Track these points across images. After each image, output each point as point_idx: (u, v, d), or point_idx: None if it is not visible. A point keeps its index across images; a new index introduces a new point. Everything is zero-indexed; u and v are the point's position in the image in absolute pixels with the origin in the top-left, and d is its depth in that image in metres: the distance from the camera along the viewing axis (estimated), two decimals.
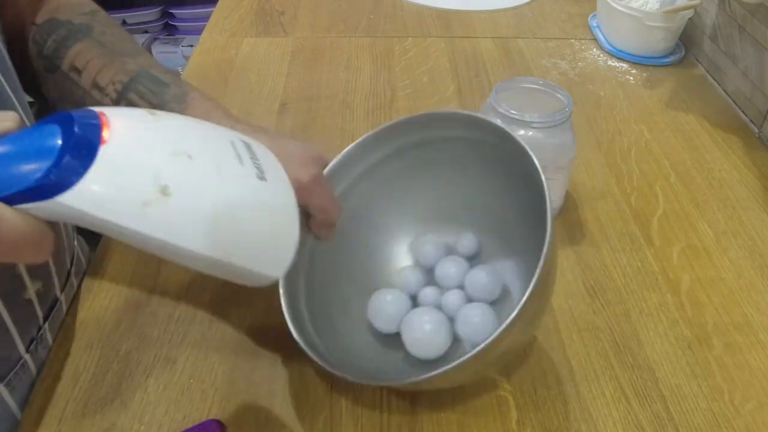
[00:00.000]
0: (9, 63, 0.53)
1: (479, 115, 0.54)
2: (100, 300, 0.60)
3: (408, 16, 1.12)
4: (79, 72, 0.55)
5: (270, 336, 0.57)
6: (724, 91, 0.93)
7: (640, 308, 0.61)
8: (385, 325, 0.54)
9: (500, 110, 0.62)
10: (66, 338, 0.56)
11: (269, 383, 0.53)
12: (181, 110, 0.54)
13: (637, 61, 0.99)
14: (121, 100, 0.54)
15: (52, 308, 0.56)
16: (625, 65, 0.99)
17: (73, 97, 0.56)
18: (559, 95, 0.64)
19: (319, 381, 0.53)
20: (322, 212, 0.53)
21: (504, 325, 0.41)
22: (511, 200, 0.56)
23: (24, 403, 0.52)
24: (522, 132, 0.61)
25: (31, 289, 0.53)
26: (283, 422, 0.51)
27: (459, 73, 0.96)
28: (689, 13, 0.98)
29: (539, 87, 0.65)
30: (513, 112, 0.61)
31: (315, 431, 0.50)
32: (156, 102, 0.54)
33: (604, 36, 1.04)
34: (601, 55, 1.02)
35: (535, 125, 0.61)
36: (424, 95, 0.90)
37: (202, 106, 0.54)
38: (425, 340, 0.52)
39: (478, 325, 0.52)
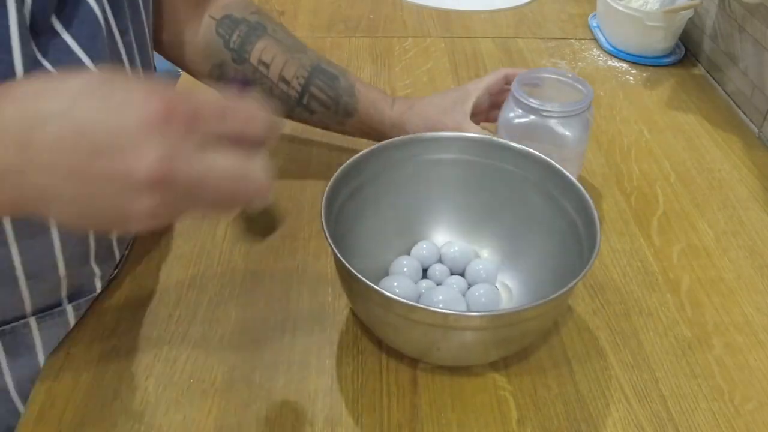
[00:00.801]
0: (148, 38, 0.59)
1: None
2: (100, 300, 0.60)
3: (408, 16, 1.12)
4: (267, 66, 0.66)
5: (270, 336, 0.57)
6: (724, 91, 0.93)
7: (640, 308, 0.61)
8: None
9: (522, 100, 0.63)
10: (66, 338, 0.56)
11: (269, 383, 0.53)
12: (354, 103, 0.68)
13: (637, 61, 0.99)
14: (305, 93, 0.68)
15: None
16: (625, 65, 0.99)
17: (261, 87, 0.68)
18: (579, 86, 0.65)
19: (320, 381, 0.53)
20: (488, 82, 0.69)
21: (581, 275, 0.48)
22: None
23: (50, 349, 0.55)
24: (538, 119, 0.63)
25: None
26: (283, 422, 0.51)
27: (459, 73, 0.95)
28: (689, 13, 0.98)
29: (561, 78, 0.66)
30: (533, 101, 0.62)
31: (315, 431, 0.50)
32: (332, 95, 0.68)
33: (604, 36, 1.04)
34: (601, 55, 1.02)
35: (555, 114, 0.63)
36: (424, 95, 0.90)
37: (369, 97, 0.69)
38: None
39: (486, 303, 0.56)
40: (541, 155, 0.58)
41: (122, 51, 0.52)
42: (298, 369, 0.54)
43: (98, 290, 0.58)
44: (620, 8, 0.98)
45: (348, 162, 0.56)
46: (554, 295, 0.47)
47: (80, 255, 0.54)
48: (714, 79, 0.96)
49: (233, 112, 0.34)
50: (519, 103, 0.63)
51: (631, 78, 0.96)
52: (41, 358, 0.54)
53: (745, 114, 0.88)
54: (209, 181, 0.33)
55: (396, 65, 0.97)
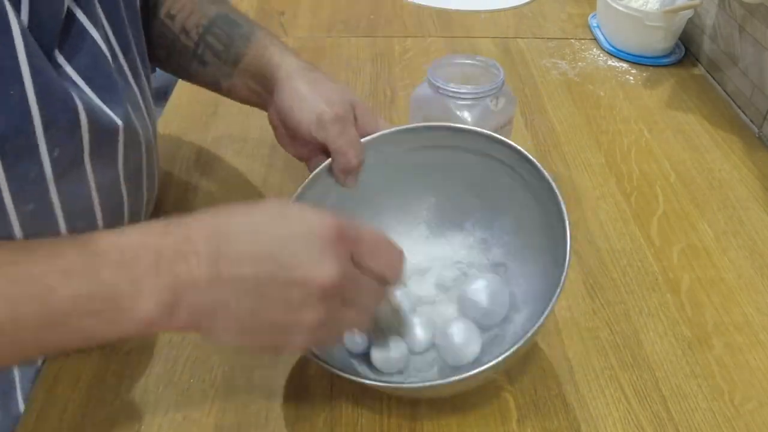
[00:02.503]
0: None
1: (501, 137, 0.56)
2: None
3: (408, 16, 1.12)
4: (172, 18, 0.62)
5: None
6: (724, 91, 0.93)
7: (640, 308, 0.61)
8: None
9: (438, 85, 0.63)
10: None
11: (269, 383, 0.53)
12: (244, 47, 0.60)
13: (637, 61, 0.99)
14: (201, 42, 0.61)
15: None
16: (625, 65, 0.99)
17: (165, 42, 0.62)
18: (492, 68, 0.65)
19: (319, 381, 0.53)
20: (340, 154, 0.54)
21: (528, 336, 0.44)
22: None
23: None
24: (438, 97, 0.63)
25: None
26: (283, 422, 0.51)
27: None
28: (689, 13, 0.98)
29: (474, 62, 0.66)
30: (438, 79, 0.63)
31: (315, 431, 0.50)
32: (226, 41, 0.61)
33: (604, 36, 1.05)
34: (601, 55, 1.02)
35: (451, 94, 0.63)
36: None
37: (261, 44, 0.60)
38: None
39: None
40: (528, 154, 0.54)
41: (126, 68, 0.52)
42: (298, 369, 0.54)
43: None
44: (620, 8, 0.98)
45: (316, 171, 0.56)
46: (513, 348, 0.43)
47: None
48: (714, 79, 0.96)
49: (382, 253, 0.41)
50: (429, 83, 0.64)
51: (631, 78, 0.96)
52: None
53: (745, 114, 0.88)
54: (361, 295, 0.40)
55: (396, 65, 0.97)
